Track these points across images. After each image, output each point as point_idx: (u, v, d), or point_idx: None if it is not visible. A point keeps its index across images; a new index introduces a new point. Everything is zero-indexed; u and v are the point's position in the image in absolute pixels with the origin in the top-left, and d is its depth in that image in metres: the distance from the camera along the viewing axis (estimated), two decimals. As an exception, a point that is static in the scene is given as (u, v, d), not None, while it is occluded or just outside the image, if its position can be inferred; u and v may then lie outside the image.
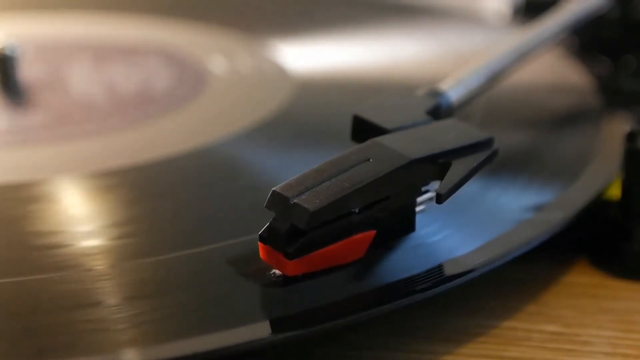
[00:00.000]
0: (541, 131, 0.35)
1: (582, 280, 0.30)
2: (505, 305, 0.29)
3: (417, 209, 0.27)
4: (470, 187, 0.27)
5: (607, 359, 0.27)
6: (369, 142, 0.27)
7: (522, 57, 0.34)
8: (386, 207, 0.26)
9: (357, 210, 0.26)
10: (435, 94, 0.30)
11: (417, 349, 0.27)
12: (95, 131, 0.35)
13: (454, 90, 0.31)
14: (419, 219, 0.27)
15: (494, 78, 0.33)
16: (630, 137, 0.30)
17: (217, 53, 0.42)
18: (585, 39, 0.42)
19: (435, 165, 0.27)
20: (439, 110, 0.30)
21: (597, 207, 0.31)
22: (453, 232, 0.28)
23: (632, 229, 0.30)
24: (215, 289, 0.25)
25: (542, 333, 0.28)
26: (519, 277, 0.30)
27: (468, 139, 0.27)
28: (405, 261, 0.26)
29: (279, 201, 0.25)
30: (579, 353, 0.27)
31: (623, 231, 0.30)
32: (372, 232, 0.26)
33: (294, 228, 0.25)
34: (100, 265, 0.26)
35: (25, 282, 0.26)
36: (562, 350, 0.27)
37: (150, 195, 0.31)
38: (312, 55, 0.42)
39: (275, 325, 0.24)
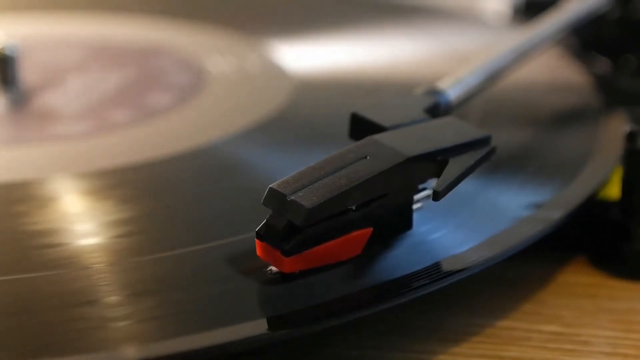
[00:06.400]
0: (540, 130, 0.35)
1: (582, 280, 0.30)
2: (504, 305, 0.29)
3: (415, 206, 0.27)
4: (468, 185, 0.27)
5: (607, 359, 0.27)
6: (366, 139, 0.27)
7: (521, 56, 0.34)
8: (383, 205, 0.26)
9: (354, 208, 0.25)
10: (434, 92, 0.30)
11: (415, 348, 0.27)
12: (95, 130, 0.35)
13: (452, 89, 0.31)
14: (416, 217, 0.27)
15: (493, 77, 0.33)
16: (630, 137, 0.30)
17: (216, 53, 0.42)
18: (585, 39, 0.41)
19: (433, 162, 0.27)
20: (438, 109, 0.30)
21: (597, 207, 0.31)
22: (450, 230, 0.28)
23: (632, 229, 0.30)
24: (212, 287, 0.25)
25: (542, 333, 0.28)
26: (518, 276, 0.30)
27: (466, 137, 0.27)
28: (402, 259, 0.26)
29: (275, 198, 0.25)
30: (579, 353, 0.27)
31: (623, 231, 0.30)
32: (369, 230, 0.26)
33: (290, 225, 0.25)
34: (98, 263, 0.26)
35: (23, 280, 0.26)
36: (562, 350, 0.27)
37: (149, 194, 0.31)
38: (312, 55, 0.42)
39: (273, 323, 0.24)
